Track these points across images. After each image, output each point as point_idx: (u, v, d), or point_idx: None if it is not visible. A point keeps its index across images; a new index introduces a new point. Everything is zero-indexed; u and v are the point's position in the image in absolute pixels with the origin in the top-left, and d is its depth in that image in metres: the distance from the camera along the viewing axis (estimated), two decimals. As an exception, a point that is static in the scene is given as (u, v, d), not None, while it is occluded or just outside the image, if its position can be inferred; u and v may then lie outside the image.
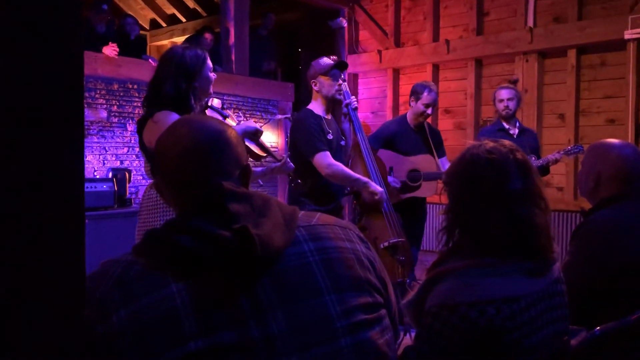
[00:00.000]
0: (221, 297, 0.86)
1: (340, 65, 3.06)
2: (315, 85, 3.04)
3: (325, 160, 2.89)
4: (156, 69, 2.18)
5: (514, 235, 1.24)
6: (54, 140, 0.58)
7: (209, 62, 2.22)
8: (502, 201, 1.25)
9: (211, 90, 2.25)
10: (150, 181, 2.21)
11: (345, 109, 3.28)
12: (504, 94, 4.09)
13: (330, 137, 3.00)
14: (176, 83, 2.09)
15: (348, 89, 3.28)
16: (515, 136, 4.00)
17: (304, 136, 2.92)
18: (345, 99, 3.22)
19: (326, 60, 3.07)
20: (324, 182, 2.95)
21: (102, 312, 0.84)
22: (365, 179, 3.04)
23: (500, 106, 4.06)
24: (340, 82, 3.07)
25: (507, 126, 4.08)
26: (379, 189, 3.06)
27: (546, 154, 4.07)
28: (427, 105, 3.76)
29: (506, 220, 1.24)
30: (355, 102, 3.32)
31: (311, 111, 3.04)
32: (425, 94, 3.74)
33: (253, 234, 0.87)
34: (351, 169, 3.13)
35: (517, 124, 4.14)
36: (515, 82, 4.19)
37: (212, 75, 2.23)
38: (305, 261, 0.94)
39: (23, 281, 0.56)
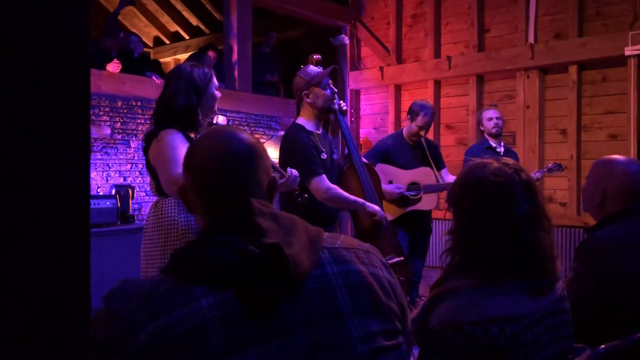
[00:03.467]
0: (250, 314, 0.86)
1: (332, 72, 2.87)
2: (307, 97, 2.79)
3: (322, 184, 2.73)
4: (165, 86, 2.21)
5: (519, 257, 1.23)
6: (59, 157, 0.58)
7: (215, 80, 2.27)
8: (509, 224, 1.23)
9: (216, 108, 2.28)
10: (155, 199, 2.21)
11: (332, 117, 3.05)
12: (492, 113, 4.24)
13: (324, 156, 2.80)
14: (187, 97, 2.13)
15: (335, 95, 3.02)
16: (502, 154, 4.11)
17: (299, 158, 2.70)
18: (334, 105, 2.96)
19: (315, 69, 2.87)
20: (319, 204, 2.79)
21: (129, 328, 0.83)
22: (362, 200, 2.87)
23: (490, 124, 4.19)
24: (334, 89, 2.87)
25: (494, 144, 4.19)
26: (376, 208, 2.91)
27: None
28: (420, 128, 3.78)
29: (512, 242, 1.23)
30: (344, 105, 3.07)
31: (302, 127, 2.80)
32: (420, 116, 3.75)
33: (287, 254, 0.87)
34: (344, 181, 2.98)
35: (502, 144, 4.27)
36: (495, 106, 4.34)
37: (217, 93, 2.26)
38: (329, 284, 0.94)
39: (27, 298, 0.56)
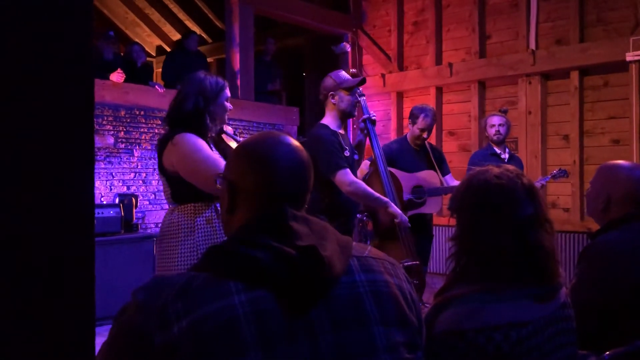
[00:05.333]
0: (281, 312, 0.87)
1: (362, 82, 3.07)
2: (333, 97, 2.99)
3: (347, 177, 2.86)
4: (179, 90, 2.28)
5: (523, 261, 1.23)
6: (64, 166, 0.59)
7: (227, 92, 2.30)
8: (513, 227, 1.24)
9: (226, 119, 2.33)
10: (171, 206, 2.21)
11: (362, 124, 3.28)
12: (495, 120, 4.25)
13: (347, 153, 2.96)
14: (195, 101, 2.18)
15: (366, 104, 3.34)
16: (505, 160, 4.14)
17: (325, 153, 2.86)
18: (364, 113, 3.26)
19: (346, 75, 3.04)
20: (342, 200, 2.92)
21: (162, 321, 0.84)
22: (385, 199, 3.00)
23: (492, 131, 4.21)
24: (358, 98, 3.07)
25: (498, 150, 4.22)
26: (398, 211, 3.01)
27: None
28: (422, 130, 3.82)
29: (516, 246, 1.23)
30: (374, 115, 3.33)
31: (327, 126, 2.99)
32: (420, 118, 3.80)
33: (323, 255, 0.90)
34: (368, 185, 3.08)
35: (507, 150, 4.30)
36: (505, 111, 4.34)
37: (228, 105, 2.30)
38: (356, 291, 0.95)
39: (33, 307, 0.57)
